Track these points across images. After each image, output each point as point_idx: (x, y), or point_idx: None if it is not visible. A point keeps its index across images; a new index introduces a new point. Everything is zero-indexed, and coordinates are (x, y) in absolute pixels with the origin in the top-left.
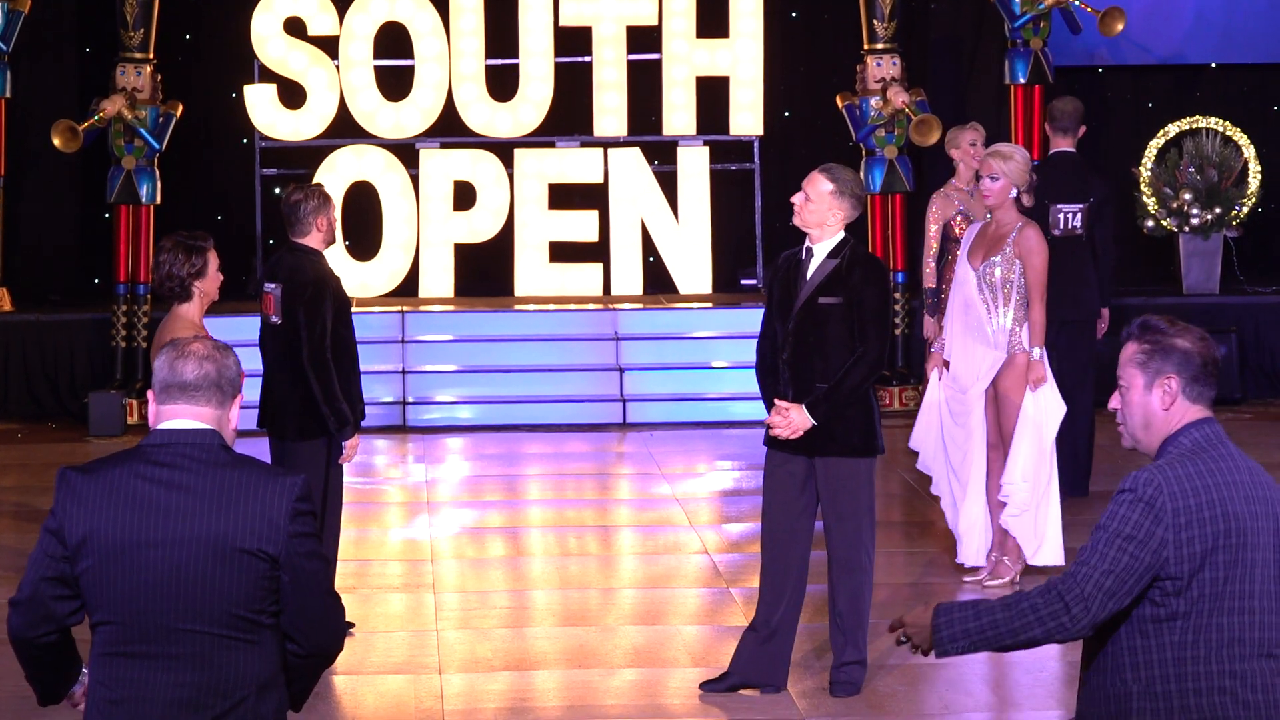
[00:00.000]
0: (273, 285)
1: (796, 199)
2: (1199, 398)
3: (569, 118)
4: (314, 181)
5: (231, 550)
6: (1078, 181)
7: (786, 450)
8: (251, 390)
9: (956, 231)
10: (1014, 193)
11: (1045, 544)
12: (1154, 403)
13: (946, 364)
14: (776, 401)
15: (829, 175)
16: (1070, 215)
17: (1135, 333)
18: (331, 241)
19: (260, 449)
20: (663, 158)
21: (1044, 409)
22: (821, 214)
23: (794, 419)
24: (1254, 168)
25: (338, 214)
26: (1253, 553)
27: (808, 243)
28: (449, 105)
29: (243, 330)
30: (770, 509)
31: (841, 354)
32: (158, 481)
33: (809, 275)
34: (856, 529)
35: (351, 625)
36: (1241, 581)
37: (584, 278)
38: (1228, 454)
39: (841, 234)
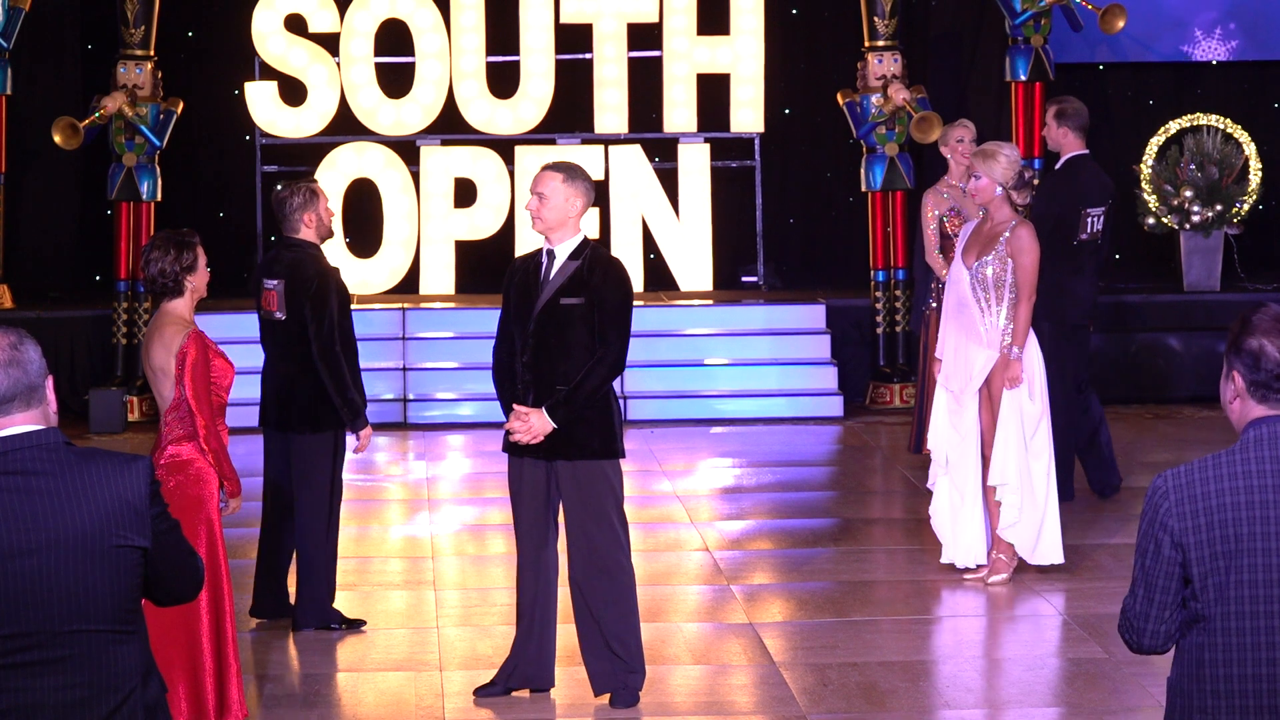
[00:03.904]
0: (274, 281)
1: (530, 205)
2: (1264, 400)
3: (570, 115)
4: (308, 178)
5: (108, 548)
6: (1100, 183)
7: (525, 455)
8: (251, 387)
9: (948, 228)
10: (999, 191)
11: (1043, 543)
12: (1225, 392)
13: (939, 361)
14: (515, 407)
15: (554, 167)
16: (1096, 219)
17: (1240, 315)
18: (326, 235)
19: (261, 445)
20: (663, 155)
21: (1024, 409)
22: (562, 209)
23: (534, 424)
24: (1255, 165)
25: (330, 207)
26: (1264, 557)
27: (547, 245)
28: (450, 102)
29: (243, 326)
30: (520, 515)
31: (584, 356)
32: (13, 490)
33: (550, 277)
34: (609, 531)
35: (363, 623)
36: (1255, 587)
37: None
38: (1273, 455)
39: (581, 235)
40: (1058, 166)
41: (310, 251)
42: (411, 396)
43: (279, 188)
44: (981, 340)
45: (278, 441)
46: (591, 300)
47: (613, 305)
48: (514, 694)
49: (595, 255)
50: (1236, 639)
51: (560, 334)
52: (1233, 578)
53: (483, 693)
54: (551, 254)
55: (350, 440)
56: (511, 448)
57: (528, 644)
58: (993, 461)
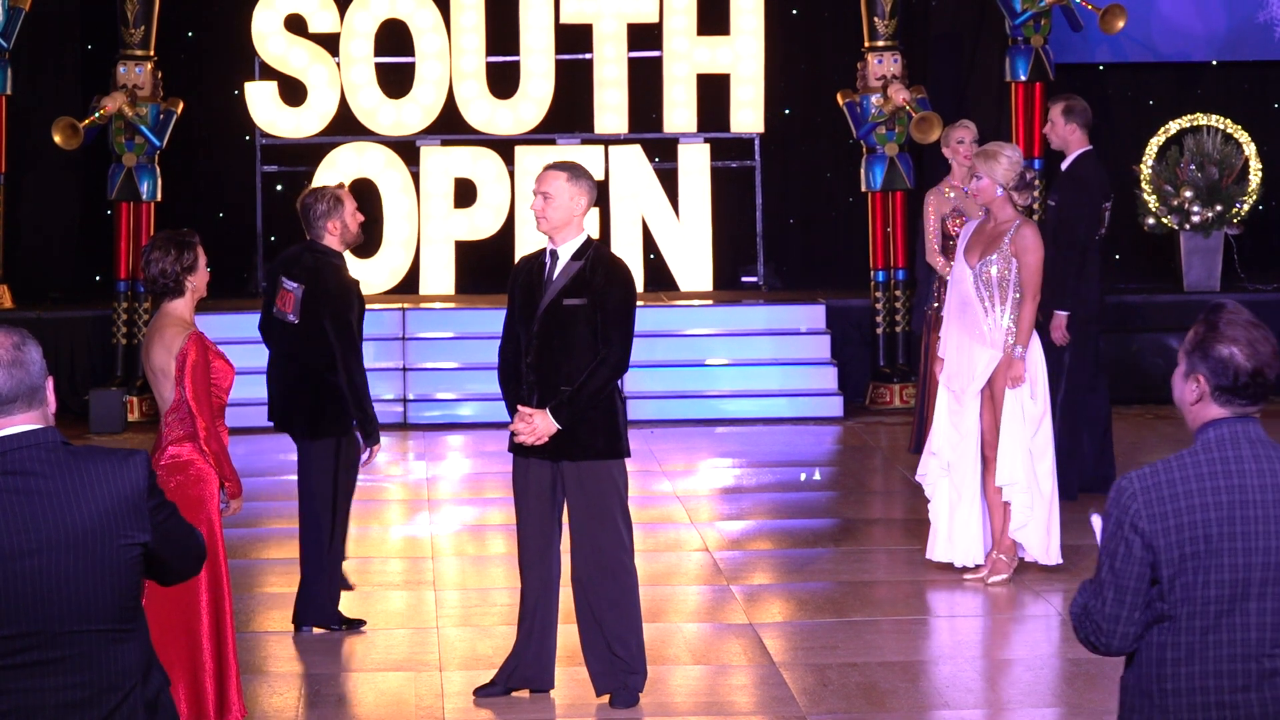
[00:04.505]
0: (294, 284)
1: (535, 205)
2: (1228, 404)
3: (570, 115)
4: (336, 183)
5: (109, 548)
6: (1108, 178)
7: (530, 455)
8: (253, 388)
9: (950, 229)
10: (1000, 191)
11: (1053, 544)
12: (1184, 392)
13: (941, 361)
14: (520, 408)
15: (558, 166)
16: (1107, 213)
17: (1201, 315)
18: (352, 241)
19: (262, 447)
20: (663, 155)
21: (1026, 408)
22: (566, 208)
23: (538, 424)
24: (1255, 165)
25: (357, 211)
26: (1243, 558)
27: (550, 245)
28: (450, 102)
29: (244, 327)
30: (525, 516)
31: (587, 356)
32: (13, 490)
33: (554, 277)
34: (614, 531)
35: (363, 623)
36: (1222, 587)
37: None
38: (1236, 456)
39: (585, 235)
40: (1069, 164)
41: (334, 261)
42: (411, 397)
43: (306, 191)
44: (984, 340)
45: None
46: (594, 301)
47: (615, 306)
48: (514, 694)
49: (598, 255)
50: (1200, 638)
51: (563, 334)
52: (1201, 578)
53: (483, 693)
54: (555, 254)
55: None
56: (517, 448)
57: (529, 645)
58: (999, 462)
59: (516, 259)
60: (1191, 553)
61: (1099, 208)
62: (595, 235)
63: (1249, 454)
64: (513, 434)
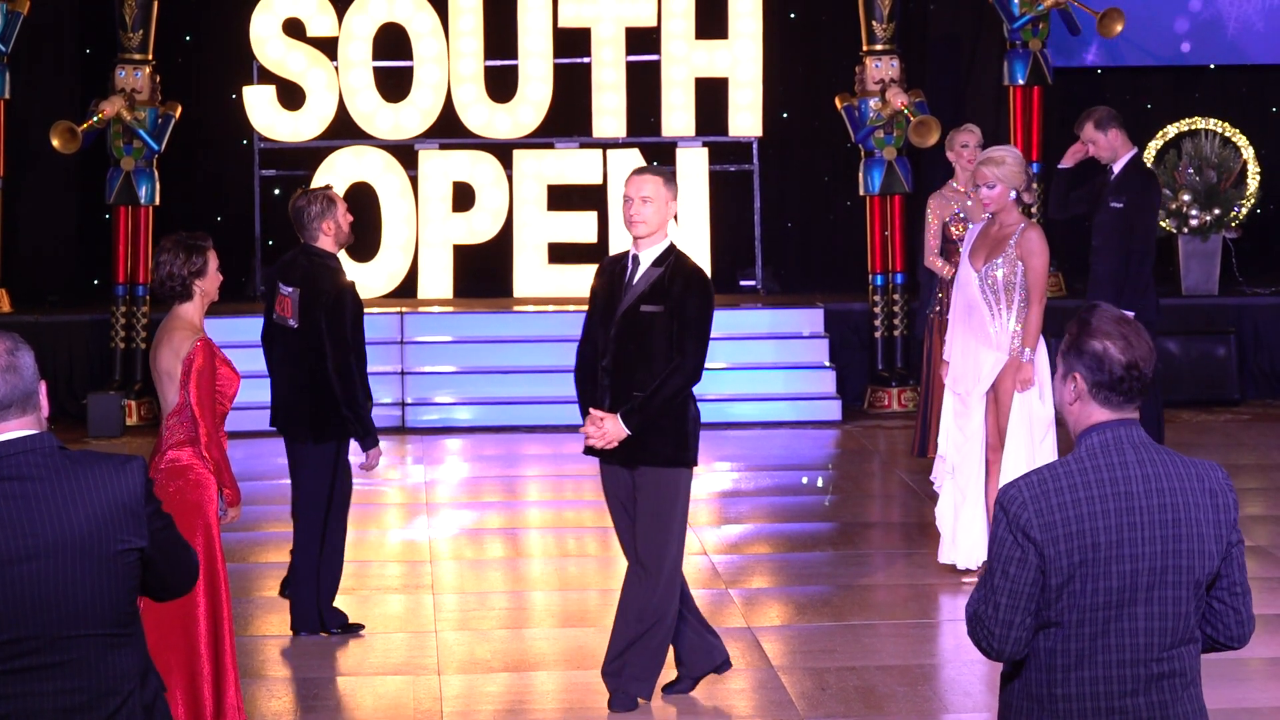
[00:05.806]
0: (290, 289)
1: (633, 210)
2: (1107, 402)
3: (568, 119)
4: (323, 185)
5: (106, 553)
6: None
7: (610, 461)
8: (255, 391)
9: (953, 233)
10: (1013, 194)
11: None
12: (1063, 394)
13: (947, 364)
14: (591, 411)
15: (653, 170)
16: None
17: (1074, 318)
18: (345, 241)
19: (261, 450)
20: (661, 159)
21: (1034, 412)
22: (662, 211)
23: (609, 429)
24: (1253, 169)
25: (348, 213)
26: (1130, 564)
27: (633, 250)
28: (448, 106)
29: (243, 331)
30: (617, 521)
31: (663, 363)
32: (10, 496)
33: (634, 282)
34: (664, 541)
35: (361, 627)
36: (1110, 593)
37: (583, 279)
38: (1120, 462)
39: (668, 241)
40: (1124, 169)
41: (329, 263)
42: (409, 400)
43: (297, 194)
44: (991, 343)
45: (291, 447)
46: (671, 309)
47: (692, 315)
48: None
49: (678, 263)
50: (1090, 643)
51: (640, 340)
52: (1089, 585)
53: (669, 690)
54: (637, 259)
55: (355, 458)
56: (593, 451)
57: (686, 636)
58: (1004, 467)
59: (515, 263)
60: (1080, 561)
61: (1159, 203)
62: (592, 239)
63: (1133, 459)
64: (587, 436)
